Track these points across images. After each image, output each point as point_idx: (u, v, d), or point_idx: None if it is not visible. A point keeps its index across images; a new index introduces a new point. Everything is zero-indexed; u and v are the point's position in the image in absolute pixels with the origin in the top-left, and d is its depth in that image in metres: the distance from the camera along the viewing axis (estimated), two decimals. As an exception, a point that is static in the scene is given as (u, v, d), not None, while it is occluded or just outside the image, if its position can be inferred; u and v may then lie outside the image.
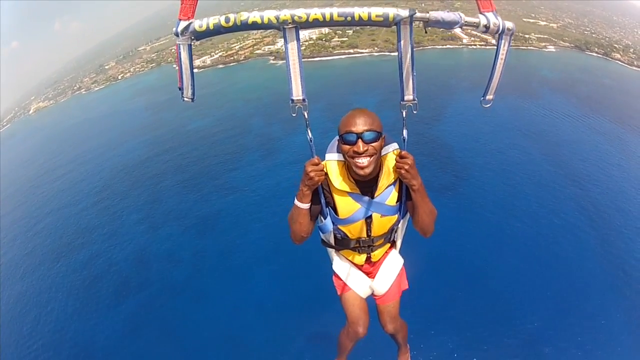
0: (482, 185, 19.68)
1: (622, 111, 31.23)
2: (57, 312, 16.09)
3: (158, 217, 20.34)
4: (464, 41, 56.94)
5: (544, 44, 56.99)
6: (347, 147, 2.45)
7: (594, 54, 56.69)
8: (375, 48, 56.25)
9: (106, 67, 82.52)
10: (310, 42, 58.50)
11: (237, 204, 20.17)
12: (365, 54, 55.16)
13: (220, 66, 56.72)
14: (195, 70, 2.20)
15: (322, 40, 58.28)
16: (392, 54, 52.25)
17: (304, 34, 61.96)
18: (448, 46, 55.34)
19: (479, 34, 56.35)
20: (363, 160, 2.45)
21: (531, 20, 68.88)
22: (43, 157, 36.23)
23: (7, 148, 46.84)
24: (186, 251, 17.39)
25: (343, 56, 54.33)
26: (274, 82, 40.79)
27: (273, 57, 56.03)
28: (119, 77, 70.38)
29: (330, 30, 60.87)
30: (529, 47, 55.05)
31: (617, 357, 11.90)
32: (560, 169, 21.65)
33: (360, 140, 2.40)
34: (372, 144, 2.43)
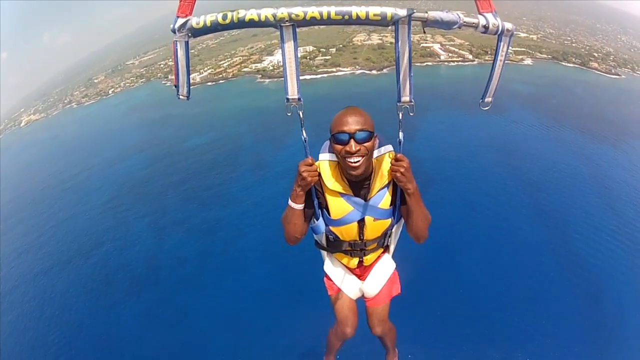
0: (446, 196, 21.07)
1: (588, 120, 32.58)
2: (74, 308, 17.46)
3: (163, 223, 22.28)
4: (442, 57, 58.04)
5: (520, 57, 57.27)
6: (339, 147, 2.47)
7: (571, 65, 57.27)
8: (357, 67, 57.35)
9: (95, 80, 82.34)
10: (295, 60, 59.20)
11: (235, 211, 22.20)
12: (347, 73, 56.18)
13: (210, 84, 57.26)
14: (186, 86, 2.16)
15: (306, 58, 59.65)
16: (372, 72, 55.49)
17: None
18: (427, 63, 55.83)
19: (456, 51, 58.19)
20: (355, 160, 2.47)
21: (511, 32, 68.18)
22: (44, 169, 37.31)
23: (3, 160, 47.08)
24: (191, 252, 19.35)
25: (326, 75, 55.22)
26: (262, 102, 42.74)
27: (260, 76, 56.82)
28: (110, 92, 70.34)
29: (314, 49, 63.14)
30: (505, 62, 54.38)
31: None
32: (518, 175, 23.38)
33: (352, 140, 2.42)
34: (364, 144, 2.46)
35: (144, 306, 16.92)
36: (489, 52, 56.35)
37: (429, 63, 56.05)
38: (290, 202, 2.62)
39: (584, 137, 29.77)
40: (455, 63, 56.43)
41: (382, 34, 65.99)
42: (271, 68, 58.73)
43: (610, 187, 23.04)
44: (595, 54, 63.20)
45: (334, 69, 57.35)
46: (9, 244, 24.78)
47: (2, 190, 33.53)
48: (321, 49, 63.18)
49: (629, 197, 22.08)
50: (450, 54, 58.71)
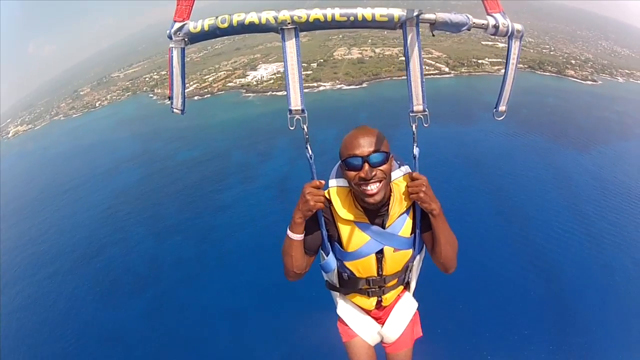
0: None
1: (556, 129, 34.58)
2: (84, 306, 19.24)
3: (162, 230, 24.19)
4: (419, 71, 59.58)
5: (496, 67, 57.50)
6: (352, 173, 2.14)
7: (547, 74, 57.89)
8: (337, 81, 58.84)
9: (81, 92, 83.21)
10: (278, 75, 60.44)
11: (226, 217, 24.28)
12: (328, 88, 57.51)
13: (196, 98, 58.24)
14: (173, 102, 1.96)
15: (288, 75, 60.79)
16: (349, 87, 57.54)
17: (272, 67, 64.66)
18: (403, 77, 52.67)
19: (433, 64, 59.03)
20: (372, 187, 2.14)
21: (489, 43, 67.27)
22: (41, 180, 38.67)
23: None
24: (190, 254, 21.33)
25: (307, 90, 53.50)
26: (247, 116, 44.96)
27: (245, 91, 58.47)
28: (97, 105, 71.25)
29: (298, 63, 64.74)
30: (480, 73, 56.10)
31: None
32: (483, 180, 25.18)
33: (366, 164, 2.10)
34: (380, 167, 2.13)
35: (149, 300, 18.85)
36: (466, 64, 59.49)
37: (404, 77, 56.69)
38: (288, 232, 2.28)
39: (550, 143, 32.01)
40: (432, 76, 57.72)
41: (362, 48, 68.15)
42: (255, 83, 60.47)
43: (573, 187, 25.20)
44: (573, 61, 63.80)
45: (315, 84, 58.75)
46: (10, 244, 26.48)
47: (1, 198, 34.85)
48: (302, 64, 63.56)
49: (590, 196, 24.23)
50: (427, 67, 57.98)
